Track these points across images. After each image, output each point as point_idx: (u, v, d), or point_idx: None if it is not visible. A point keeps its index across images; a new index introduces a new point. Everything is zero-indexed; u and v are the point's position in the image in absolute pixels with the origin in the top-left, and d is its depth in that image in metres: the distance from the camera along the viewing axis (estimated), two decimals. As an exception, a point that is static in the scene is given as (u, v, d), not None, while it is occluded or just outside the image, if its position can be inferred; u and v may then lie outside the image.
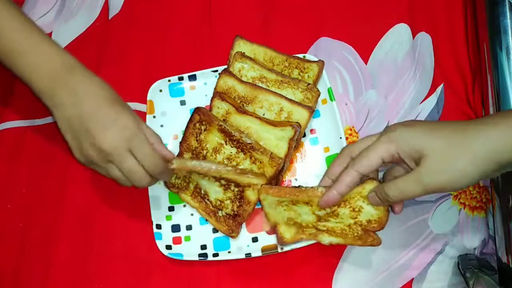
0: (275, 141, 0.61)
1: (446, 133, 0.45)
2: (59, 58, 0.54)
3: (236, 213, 0.59)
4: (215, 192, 0.60)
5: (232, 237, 0.60)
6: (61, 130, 0.53)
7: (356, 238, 0.53)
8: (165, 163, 0.54)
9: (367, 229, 0.53)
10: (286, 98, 0.62)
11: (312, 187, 0.53)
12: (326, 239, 0.55)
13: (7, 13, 0.53)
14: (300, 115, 0.62)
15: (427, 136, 0.46)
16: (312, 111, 0.62)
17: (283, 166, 0.60)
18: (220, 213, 0.60)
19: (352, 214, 0.53)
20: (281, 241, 0.57)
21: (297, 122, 0.60)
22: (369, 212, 0.52)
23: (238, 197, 0.59)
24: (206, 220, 0.61)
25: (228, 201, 0.60)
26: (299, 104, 0.62)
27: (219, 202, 0.60)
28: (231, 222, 0.60)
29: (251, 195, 0.58)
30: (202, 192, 0.61)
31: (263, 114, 0.63)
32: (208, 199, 0.61)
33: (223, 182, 0.59)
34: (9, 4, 0.54)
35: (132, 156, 0.52)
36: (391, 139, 0.47)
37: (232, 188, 0.59)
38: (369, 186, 0.51)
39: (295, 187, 0.54)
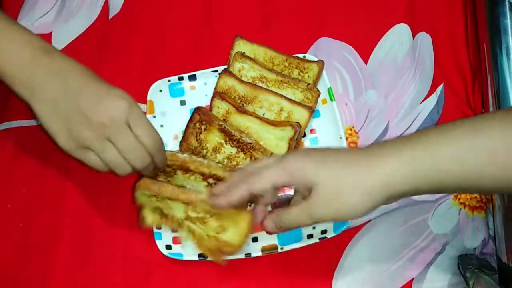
0: (275, 141, 0.61)
1: (337, 165, 0.44)
2: (33, 42, 0.49)
3: None
4: (200, 193, 0.60)
5: None
6: (43, 120, 0.48)
7: (208, 249, 0.54)
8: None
9: (220, 248, 0.53)
10: (286, 98, 0.62)
11: (197, 191, 0.52)
12: (183, 236, 0.55)
13: None
14: (300, 115, 0.62)
15: (317, 168, 0.44)
16: (312, 111, 0.62)
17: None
18: None
19: (217, 230, 0.53)
20: (141, 222, 0.54)
21: (297, 122, 0.60)
22: (231, 236, 0.53)
23: None
24: None
25: None
26: (299, 104, 0.62)
27: None
28: None
29: None
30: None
31: (263, 114, 0.63)
32: None
33: (210, 181, 0.58)
34: None
35: (130, 131, 0.48)
36: (283, 167, 0.45)
37: None
38: (245, 216, 0.51)
39: (179, 186, 0.53)
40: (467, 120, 0.46)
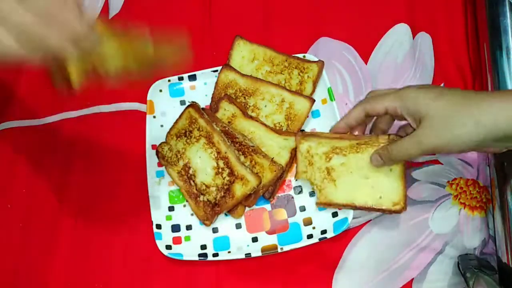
0: (277, 149, 0.62)
1: (450, 98, 0.47)
2: None
3: (216, 202, 0.59)
4: (205, 174, 0.60)
5: (206, 224, 0.60)
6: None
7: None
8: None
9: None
10: (287, 89, 0.63)
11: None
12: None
13: None
14: (301, 105, 0.63)
15: (430, 99, 0.47)
16: (313, 101, 0.63)
17: (281, 174, 0.60)
18: (201, 198, 0.60)
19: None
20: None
21: (301, 133, 0.61)
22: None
23: (225, 187, 0.59)
24: (186, 200, 0.62)
25: (214, 188, 0.60)
26: (300, 94, 0.63)
27: (204, 187, 0.60)
28: (209, 209, 0.60)
29: (238, 189, 0.58)
30: (191, 172, 0.61)
31: (265, 106, 0.64)
32: (194, 181, 0.61)
33: (220, 164, 0.59)
34: None
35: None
36: (398, 96, 0.50)
37: (224, 175, 0.59)
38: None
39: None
40: None
